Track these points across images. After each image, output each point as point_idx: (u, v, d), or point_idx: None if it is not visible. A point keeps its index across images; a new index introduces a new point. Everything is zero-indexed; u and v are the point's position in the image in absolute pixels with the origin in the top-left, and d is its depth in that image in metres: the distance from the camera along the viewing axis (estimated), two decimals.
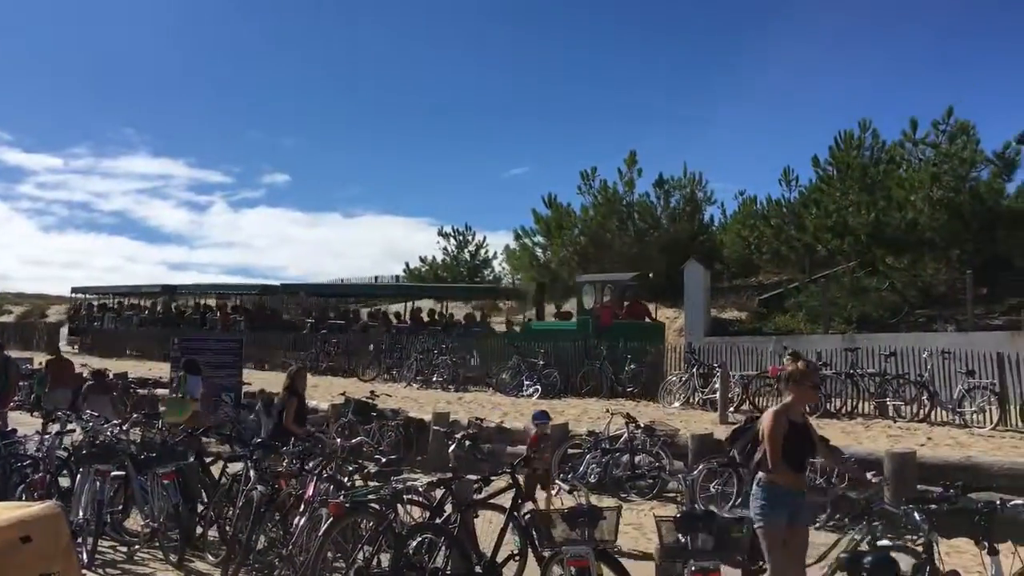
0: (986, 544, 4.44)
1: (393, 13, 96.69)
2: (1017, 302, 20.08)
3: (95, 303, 39.44)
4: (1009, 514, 4.48)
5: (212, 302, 35.93)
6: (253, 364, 23.19)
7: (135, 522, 8.49)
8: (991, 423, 12.79)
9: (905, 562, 4.75)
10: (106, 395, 13.79)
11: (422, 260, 38.94)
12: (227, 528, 7.79)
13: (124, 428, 9.27)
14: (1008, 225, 21.87)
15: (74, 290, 41.17)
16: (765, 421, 5.57)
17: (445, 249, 38.73)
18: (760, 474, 5.56)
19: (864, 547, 4.98)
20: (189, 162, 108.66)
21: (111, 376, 18.25)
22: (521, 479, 6.76)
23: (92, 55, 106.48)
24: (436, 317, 28.91)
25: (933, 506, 4.60)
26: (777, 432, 5.43)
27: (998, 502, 4.53)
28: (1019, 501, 4.58)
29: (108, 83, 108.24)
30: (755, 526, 5.46)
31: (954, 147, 23.09)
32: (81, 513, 7.71)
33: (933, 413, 13.47)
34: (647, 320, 21.14)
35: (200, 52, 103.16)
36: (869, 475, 6.23)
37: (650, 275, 23.98)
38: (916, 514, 4.59)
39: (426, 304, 30.53)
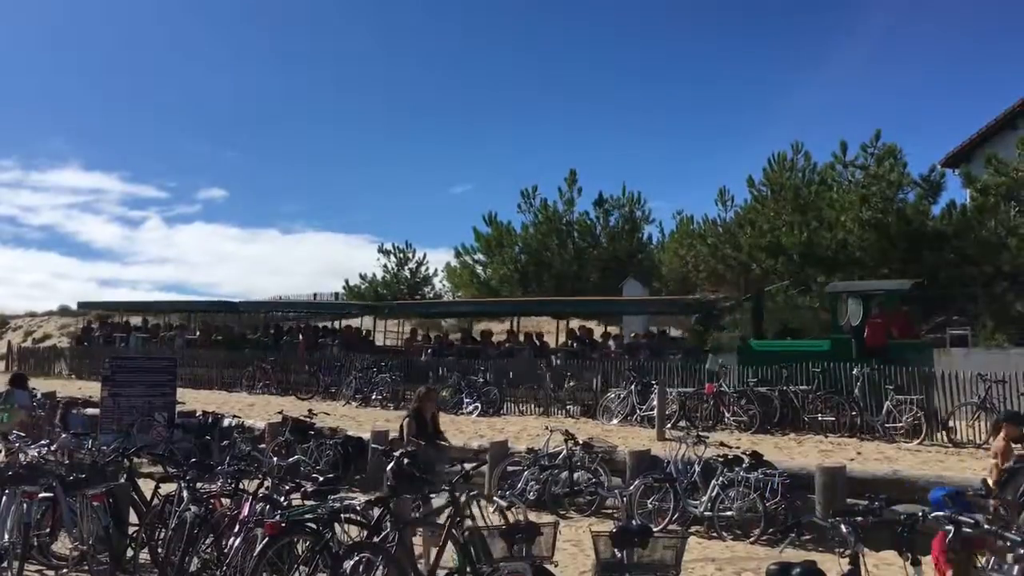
0: (909, 555, 4.58)
1: (336, 29, 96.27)
2: (942, 320, 20.73)
3: (110, 320, 33.68)
4: (930, 526, 4.64)
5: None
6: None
7: (63, 545, 8.26)
8: (918, 438, 13.16)
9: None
10: None
11: (362, 277, 38.74)
12: (159, 550, 7.64)
13: (52, 448, 9.03)
14: (933, 245, 22.58)
15: (81, 305, 36.69)
16: None
17: (385, 266, 38.63)
18: None
19: None
20: (123, 176, 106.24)
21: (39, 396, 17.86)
22: (461, 496, 6.76)
23: (19, 62, 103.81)
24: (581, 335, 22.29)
25: (859, 518, 4.73)
26: None
27: (920, 514, 4.69)
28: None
29: (37, 93, 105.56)
30: None
31: (882, 169, 23.84)
32: (6, 536, 7.49)
33: (863, 428, 13.83)
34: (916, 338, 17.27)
35: (135, 61, 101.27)
36: None
37: (924, 282, 19.21)
38: (843, 526, 4.70)
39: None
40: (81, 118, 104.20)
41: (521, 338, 22.64)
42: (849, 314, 15.97)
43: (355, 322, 29.13)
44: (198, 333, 29.07)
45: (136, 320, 33.71)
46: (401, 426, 9.44)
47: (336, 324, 29.79)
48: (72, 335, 39.19)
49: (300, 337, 25.80)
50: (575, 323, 23.78)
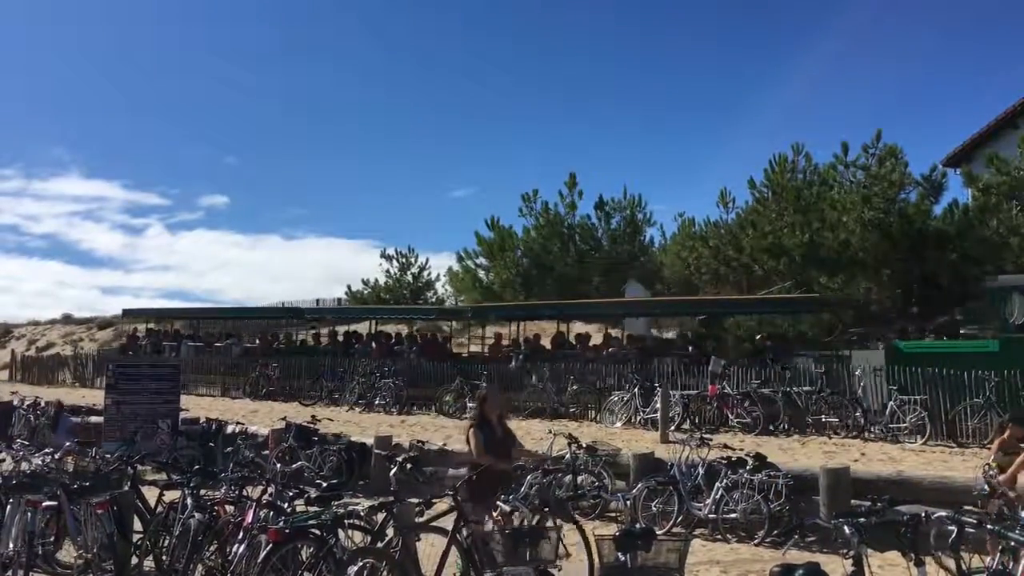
0: (912, 556, 4.57)
1: (336, 36, 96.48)
2: (945, 320, 20.71)
3: (161, 329, 32.06)
4: (933, 526, 4.63)
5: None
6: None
7: (68, 553, 8.27)
8: (922, 438, 13.15)
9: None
10: None
11: (364, 282, 38.70)
12: (163, 558, 7.65)
13: (56, 456, 9.04)
14: (935, 245, 22.55)
15: (126, 312, 35.25)
16: None
17: (388, 271, 38.60)
18: None
19: None
20: (124, 184, 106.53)
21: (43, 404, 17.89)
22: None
23: (20, 71, 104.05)
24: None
25: (862, 519, 4.71)
26: None
27: (923, 514, 4.68)
28: (943, 513, 4.73)
29: (38, 101, 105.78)
30: None
31: (883, 169, 23.80)
32: (11, 545, 7.50)
33: (866, 429, 13.82)
34: None
35: (135, 68, 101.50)
36: None
37: None
38: (846, 528, 4.68)
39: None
40: (82, 126, 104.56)
41: (624, 341, 21.43)
42: (1016, 311, 14.22)
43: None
44: (257, 341, 27.30)
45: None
46: (466, 439, 7.69)
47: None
48: (74, 342, 39.27)
49: (373, 345, 24.24)
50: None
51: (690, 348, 19.70)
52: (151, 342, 29.21)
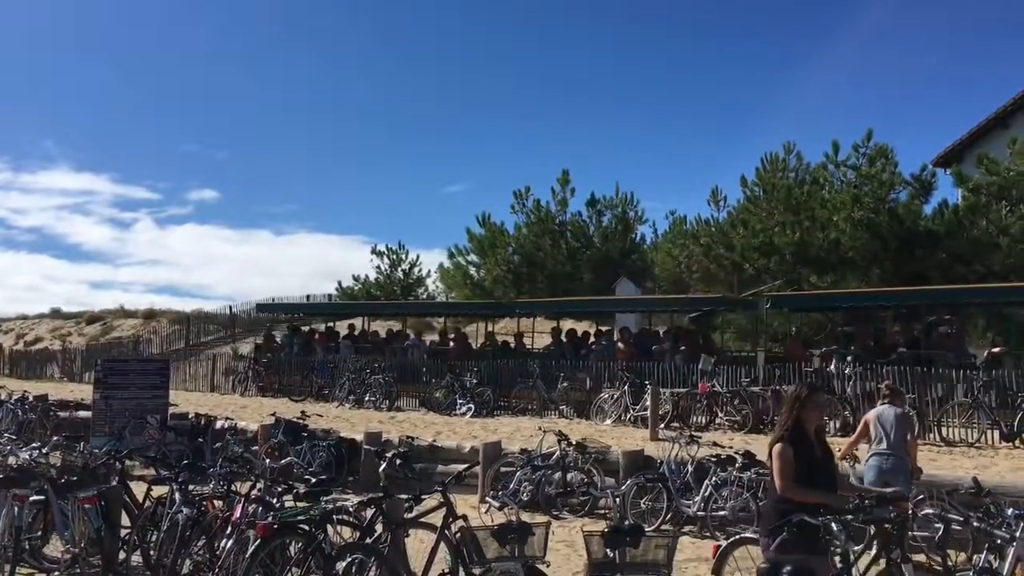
0: (899, 553, 4.60)
1: (329, 30, 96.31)
2: (934, 319, 20.77)
3: (304, 328, 27.45)
4: (920, 524, 4.65)
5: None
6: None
7: (55, 548, 8.24)
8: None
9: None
10: None
11: (355, 279, 38.69)
12: (151, 553, 7.62)
13: (44, 451, 9.00)
14: (925, 245, 22.65)
15: (260, 307, 30.99)
16: None
17: (378, 267, 38.59)
18: None
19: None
20: (113, 177, 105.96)
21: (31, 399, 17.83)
22: (452, 497, 6.76)
23: (8, 64, 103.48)
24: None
25: (849, 517, 4.74)
26: None
27: (910, 512, 4.70)
28: (930, 511, 4.75)
29: (26, 94, 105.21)
30: None
31: (874, 169, 23.90)
32: None
33: (856, 427, 13.84)
34: None
35: (124, 62, 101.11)
36: None
37: None
38: (834, 525, 4.71)
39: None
40: (71, 119, 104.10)
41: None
42: None
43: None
44: (452, 343, 22.56)
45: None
46: (769, 454, 5.12)
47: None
48: (62, 337, 39.04)
49: (619, 345, 19.21)
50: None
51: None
52: (300, 343, 24.69)
